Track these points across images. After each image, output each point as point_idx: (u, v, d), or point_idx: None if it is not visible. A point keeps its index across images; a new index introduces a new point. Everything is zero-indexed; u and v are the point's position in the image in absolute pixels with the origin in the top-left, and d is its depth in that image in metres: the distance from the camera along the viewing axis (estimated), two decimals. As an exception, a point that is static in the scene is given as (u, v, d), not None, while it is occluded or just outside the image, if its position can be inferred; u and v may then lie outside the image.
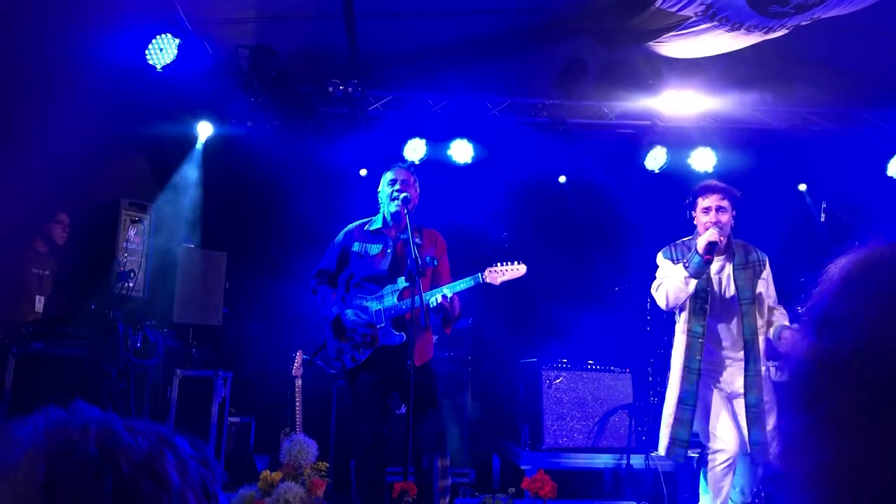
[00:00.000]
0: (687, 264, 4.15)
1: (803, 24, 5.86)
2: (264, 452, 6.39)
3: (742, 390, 4.22)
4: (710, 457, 4.31)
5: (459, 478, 6.26)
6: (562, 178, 7.80)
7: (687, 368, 4.25)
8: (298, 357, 5.65)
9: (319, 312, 4.60)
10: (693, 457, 5.53)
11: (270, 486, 4.59)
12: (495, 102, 7.09)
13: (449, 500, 4.41)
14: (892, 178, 7.34)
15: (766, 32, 6.00)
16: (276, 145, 6.97)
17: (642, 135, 7.33)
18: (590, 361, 6.27)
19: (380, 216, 4.64)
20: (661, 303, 4.37)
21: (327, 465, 4.87)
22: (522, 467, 5.82)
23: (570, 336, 6.98)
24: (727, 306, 4.30)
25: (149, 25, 5.75)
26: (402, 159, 6.83)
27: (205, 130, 7.08)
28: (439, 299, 4.26)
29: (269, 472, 4.71)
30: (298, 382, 5.57)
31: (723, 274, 4.35)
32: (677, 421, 4.27)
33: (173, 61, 5.83)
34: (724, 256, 4.36)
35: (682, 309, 4.39)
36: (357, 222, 4.71)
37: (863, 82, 7.35)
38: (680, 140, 7.32)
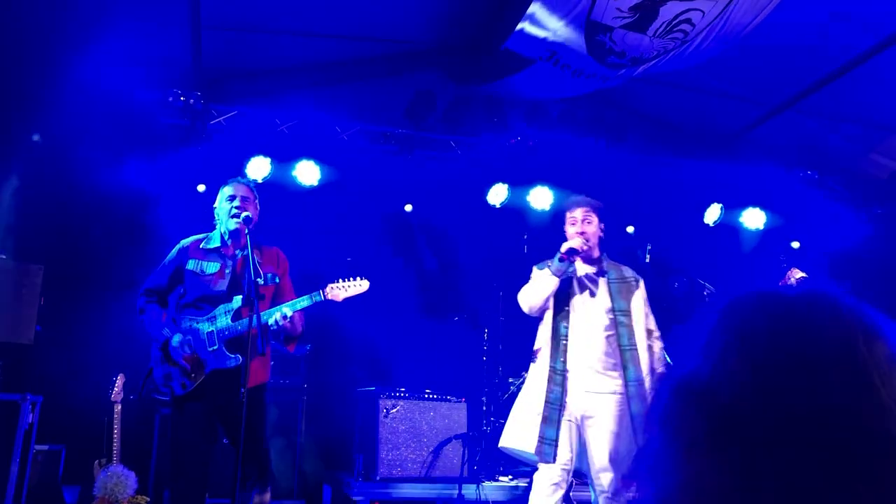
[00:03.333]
0: (550, 265, 4.39)
1: (636, 76, 6.31)
2: (75, 483, 5.88)
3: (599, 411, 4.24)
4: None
5: (289, 509, 6.06)
6: (408, 207, 7.85)
7: (552, 369, 4.27)
8: (119, 381, 5.29)
9: (147, 334, 4.29)
10: (523, 486, 5.67)
11: (80, 521, 4.23)
12: (345, 126, 7.05)
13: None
14: (708, 225, 7.98)
15: (604, 81, 6.40)
16: (106, 153, 6.52)
17: (485, 170, 7.54)
18: (427, 391, 6.30)
19: (217, 233, 4.38)
20: (523, 303, 4.47)
21: (147, 498, 4.56)
22: (355, 498, 5.72)
23: (408, 365, 6.99)
24: (598, 316, 4.40)
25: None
26: (244, 176, 6.58)
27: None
28: (279, 319, 4.06)
29: (79, 506, 4.34)
30: (118, 408, 5.21)
31: (596, 286, 4.50)
32: (546, 419, 4.17)
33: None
34: (595, 269, 4.54)
35: (544, 313, 4.50)
36: (192, 238, 4.42)
37: (684, 133, 8.00)
38: (520, 177, 7.60)
